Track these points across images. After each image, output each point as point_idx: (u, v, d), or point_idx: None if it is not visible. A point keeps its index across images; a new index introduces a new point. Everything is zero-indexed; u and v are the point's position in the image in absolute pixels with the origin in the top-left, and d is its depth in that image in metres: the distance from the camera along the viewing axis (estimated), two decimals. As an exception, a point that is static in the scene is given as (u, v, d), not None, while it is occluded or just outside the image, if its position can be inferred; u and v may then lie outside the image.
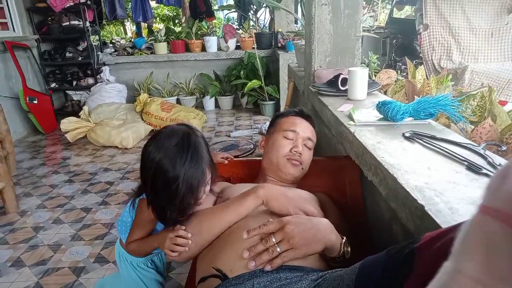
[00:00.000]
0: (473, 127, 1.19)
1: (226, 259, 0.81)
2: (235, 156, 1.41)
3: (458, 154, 0.88)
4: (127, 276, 1.16)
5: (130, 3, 6.17)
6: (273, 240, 0.77)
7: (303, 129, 1.20)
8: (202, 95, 5.20)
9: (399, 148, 0.97)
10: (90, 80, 4.85)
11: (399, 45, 6.52)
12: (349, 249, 0.83)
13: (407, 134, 1.05)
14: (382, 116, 1.22)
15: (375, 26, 8.56)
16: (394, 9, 7.76)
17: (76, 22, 4.63)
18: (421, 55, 4.97)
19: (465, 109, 1.33)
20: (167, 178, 0.85)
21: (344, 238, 0.84)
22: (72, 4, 4.47)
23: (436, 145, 0.96)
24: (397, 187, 0.79)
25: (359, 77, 1.50)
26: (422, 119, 1.16)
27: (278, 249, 0.76)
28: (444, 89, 1.48)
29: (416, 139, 1.02)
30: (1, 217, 2.44)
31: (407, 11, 9.13)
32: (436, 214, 0.64)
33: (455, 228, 0.43)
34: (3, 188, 2.44)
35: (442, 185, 0.75)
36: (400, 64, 6.20)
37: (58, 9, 4.39)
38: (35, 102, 4.16)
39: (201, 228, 0.89)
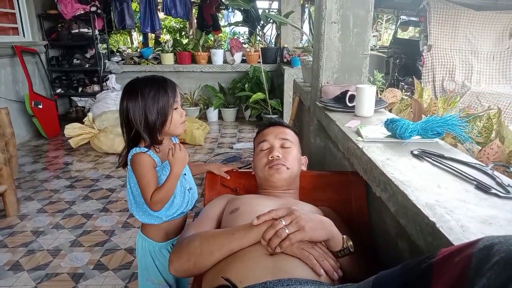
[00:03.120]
0: (479, 147, 1.20)
1: (236, 270, 0.80)
2: (238, 168, 1.42)
3: (467, 174, 0.89)
4: (145, 265, 1.22)
5: (138, 14, 6.27)
6: (283, 223, 0.82)
7: (275, 135, 1.22)
8: (206, 106, 5.24)
9: (408, 165, 0.98)
10: (96, 87, 4.90)
11: (402, 65, 6.60)
12: (351, 243, 0.86)
13: (416, 152, 1.06)
14: (390, 133, 1.23)
15: (378, 46, 8.69)
16: (398, 29, 7.88)
17: (85, 30, 4.70)
18: (422, 75, 5.03)
19: (472, 129, 1.34)
20: (159, 103, 1.08)
21: (345, 235, 0.88)
22: (82, 12, 4.55)
23: (444, 163, 0.97)
24: (407, 204, 0.79)
25: (367, 94, 1.51)
26: (429, 138, 1.17)
27: (287, 231, 0.81)
28: (453, 109, 1.50)
29: (425, 157, 1.02)
30: (1, 220, 2.44)
31: (410, 32, 9.28)
32: (447, 232, 0.65)
33: (473, 244, 0.43)
34: (5, 191, 2.44)
35: (452, 203, 0.76)
36: (403, 83, 6.26)
37: (68, 17, 4.46)
38: (40, 106, 4.19)
39: (202, 250, 0.89)
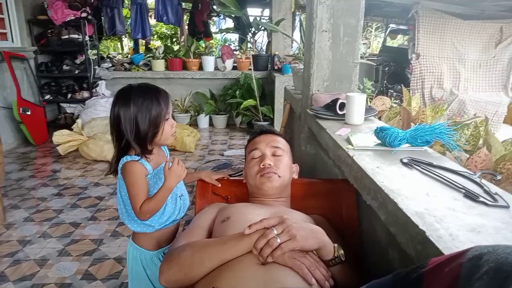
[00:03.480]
0: (467, 155, 1.22)
1: (228, 279, 0.80)
2: (229, 175, 1.41)
3: (455, 182, 0.90)
4: (136, 275, 1.21)
5: (129, 20, 6.26)
6: (274, 232, 0.82)
7: (266, 143, 1.22)
8: (196, 113, 5.23)
9: (397, 173, 0.99)
10: (85, 94, 4.85)
11: (391, 72, 6.68)
12: (342, 251, 0.87)
13: (405, 160, 1.07)
14: (379, 142, 1.24)
15: (367, 54, 8.80)
16: (388, 37, 8.00)
17: (76, 36, 4.67)
18: (411, 83, 5.10)
19: (459, 138, 1.36)
20: (151, 114, 1.08)
21: (336, 244, 0.88)
22: (73, 18, 4.52)
23: (433, 172, 0.98)
24: (397, 212, 0.80)
25: (357, 102, 1.53)
26: (419, 146, 1.19)
27: (278, 240, 0.81)
28: (441, 117, 1.52)
29: (414, 166, 1.04)
30: (-13, 229, 2.38)
31: (399, 40, 9.43)
32: (437, 240, 0.65)
33: (462, 254, 0.44)
34: (-9, 199, 2.39)
35: (441, 212, 0.76)
36: (392, 91, 6.34)
37: (58, 22, 4.43)
38: (28, 113, 4.13)
39: (193, 260, 0.88)
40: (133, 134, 1.08)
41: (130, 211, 1.15)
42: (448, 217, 0.74)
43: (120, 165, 1.11)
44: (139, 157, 1.10)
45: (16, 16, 4.35)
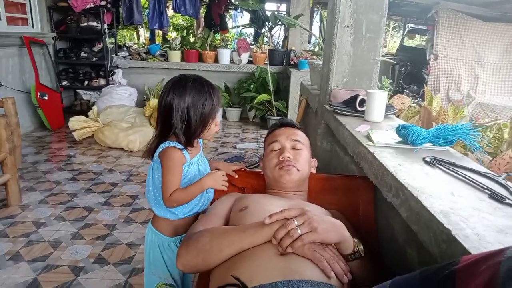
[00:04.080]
0: (489, 157, 1.20)
1: (246, 268, 0.80)
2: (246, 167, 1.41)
3: (480, 182, 0.89)
4: (153, 259, 1.22)
5: (147, 10, 6.28)
6: (295, 223, 0.82)
7: (286, 135, 1.21)
8: (210, 105, 5.23)
9: (420, 172, 0.98)
10: (102, 81, 4.90)
11: (408, 72, 6.60)
12: (362, 247, 0.87)
13: (428, 159, 1.06)
14: (401, 139, 1.23)
15: (384, 53, 8.70)
16: (405, 37, 7.89)
17: (94, 24, 4.71)
18: (428, 84, 5.02)
19: (482, 139, 1.34)
20: (204, 110, 1.09)
21: (356, 239, 0.88)
22: (92, 5, 4.55)
23: (457, 171, 0.96)
24: (420, 210, 0.79)
25: (378, 99, 1.51)
26: (441, 145, 1.17)
27: (299, 231, 0.80)
28: (463, 118, 1.50)
29: (437, 165, 1.02)
30: (3, 209, 2.44)
31: (415, 40, 9.29)
32: (464, 240, 0.64)
33: (500, 253, 0.43)
34: (8, 181, 2.43)
35: (467, 211, 0.75)
36: (408, 91, 6.26)
37: (78, 10, 4.47)
38: (46, 98, 4.19)
39: (211, 246, 0.88)
40: (183, 127, 1.09)
41: (158, 195, 1.16)
42: (474, 217, 0.73)
43: (160, 149, 1.12)
44: (183, 147, 1.12)
45: (37, 2, 4.40)
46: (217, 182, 1.16)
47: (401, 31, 9.04)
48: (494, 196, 0.82)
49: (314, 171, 1.30)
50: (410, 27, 7.74)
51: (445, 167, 1.00)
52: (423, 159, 1.07)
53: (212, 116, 1.13)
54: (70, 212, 2.43)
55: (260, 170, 1.31)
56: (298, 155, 1.17)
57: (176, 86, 1.10)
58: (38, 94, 4.11)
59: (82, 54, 4.81)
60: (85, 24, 4.68)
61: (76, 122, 3.85)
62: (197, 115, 1.09)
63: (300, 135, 1.23)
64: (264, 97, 4.51)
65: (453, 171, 0.97)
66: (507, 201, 0.80)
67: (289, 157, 1.15)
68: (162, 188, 1.11)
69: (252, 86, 4.82)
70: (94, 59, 4.88)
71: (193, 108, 1.08)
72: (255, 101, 4.57)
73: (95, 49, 4.90)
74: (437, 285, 0.47)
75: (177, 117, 1.08)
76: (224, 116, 5.32)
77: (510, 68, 4.97)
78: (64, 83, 4.86)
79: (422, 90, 5.50)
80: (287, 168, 1.13)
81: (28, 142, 3.88)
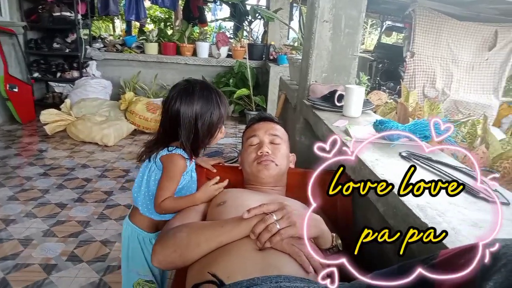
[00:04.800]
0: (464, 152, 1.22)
1: (223, 264, 0.78)
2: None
3: (455, 177, 0.90)
4: (132, 254, 1.20)
5: (123, 1, 6.11)
6: (274, 218, 0.81)
7: (264, 130, 1.20)
8: (188, 100, 5.16)
9: (397, 166, 0.98)
10: (75, 73, 4.74)
11: (385, 69, 6.72)
12: (340, 241, 0.87)
13: (404, 154, 1.07)
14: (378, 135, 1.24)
15: (361, 50, 8.81)
16: (383, 34, 8.02)
17: (68, 14, 4.54)
18: (404, 81, 5.12)
19: (456, 135, 1.37)
20: (211, 119, 1.07)
21: (335, 233, 0.89)
22: (65, -6, 4.38)
23: (432, 166, 0.97)
24: (397, 204, 0.79)
25: (356, 94, 1.52)
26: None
27: (278, 226, 0.80)
28: (437, 114, 1.53)
29: (413, 159, 1.03)
30: (-31, 206, 2.32)
31: (393, 38, 9.45)
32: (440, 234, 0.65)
33: (476, 247, 0.43)
34: (-26, 176, 2.32)
35: (443, 206, 0.76)
36: (385, 88, 6.37)
37: (50, -2, 4.29)
38: (15, 90, 4.02)
39: (189, 242, 0.86)
40: (191, 138, 1.06)
41: (148, 197, 1.15)
42: (449, 211, 0.74)
43: (164, 153, 1.08)
44: (188, 157, 1.09)
45: (6, -11, 4.20)
46: (209, 196, 1.12)
47: (379, 29, 9.18)
48: (469, 191, 0.84)
49: (292, 166, 1.29)
50: (388, 24, 7.86)
51: (420, 162, 1.01)
52: (400, 154, 1.08)
53: (219, 125, 1.11)
54: (42, 209, 2.34)
55: (239, 165, 1.29)
56: (277, 150, 1.16)
57: (183, 93, 1.06)
58: (7, 86, 3.93)
59: (55, 45, 4.62)
60: (58, 14, 4.50)
61: (48, 115, 3.71)
62: (205, 125, 1.06)
63: (279, 130, 1.22)
64: (243, 91, 4.49)
65: (428, 166, 0.98)
66: (481, 195, 0.81)
67: (267, 152, 1.14)
68: (156, 192, 1.08)
69: (231, 80, 4.79)
70: (67, 50, 4.71)
71: (201, 119, 1.05)
72: (234, 95, 4.54)
73: (69, 40, 4.73)
74: (417, 279, 0.47)
75: (184, 127, 1.05)
76: (202, 111, 5.26)
77: (482, 66, 5.13)
78: (36, 75, 4.67)
79: (398, 86, 5.61)
80: (265, 163, 1.12)
81: (-4, 136, 3.72)
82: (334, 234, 0.88)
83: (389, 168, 0.96)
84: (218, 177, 1.14)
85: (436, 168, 0.96)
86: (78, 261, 1.85)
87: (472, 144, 1.33)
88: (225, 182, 1.15)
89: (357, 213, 1.25)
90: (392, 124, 1.18)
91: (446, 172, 0.93)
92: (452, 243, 0.62)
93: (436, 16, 4.90)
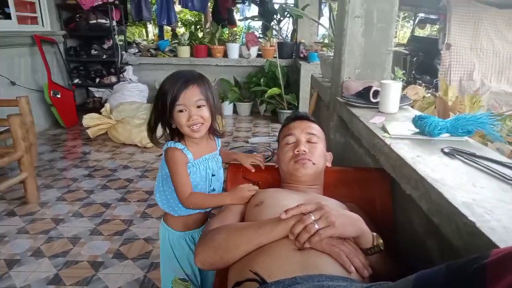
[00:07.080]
0: (510, 147, 1.17)
1: (264, 263, 0.79)
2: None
3: (503, 173, 0.87)
4: (166, 254, 1.23)
5: (155, 6, 6.29)
6: (312, 218, 0.81)
7: (301, 129, 1.20)
8: (221, 100, 5.24)
9: (440, 163, 0.96)
10: (113, 79, 4.94)
11: (420, 63, 6.49)
12: (381, 241, 0.86)
13: (447, 150, 1.04)
14: (417, 130, 1.21)
15: (394, 43, 8.56)
16: (416, 27, 7.75)
17: (103, 21, 4.73)
18: (439, 74, 4.93)
19: (501, 129, 1.31)
20: (161, 93, 1.08)
21: (375, 233, 0.87)
22: (100, 2, 4.57)
23: (477, 162, 0.95)
24: (442, 202, 0.78)
25: (393, 90, 1.49)
26: (459, 135, 1.15)
27: (316, 226, 0.80)
28: (479, 108, 1.47)
29: (456, 156, 1.01)
30: (22, 207, 2.49)
31: (426, 30, 9.11)
32: (490, 232, 0.63)
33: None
34: (26, 179, 2.48)
35: (491, 203, 0.74)
36: (420, 82, 6.17)
37: (86, 7, 4.49)
38: (59, 96, 4.24)
39: (228, 244, 0.88)
40: (153, 118, 1.12)
41: (162, 190, 1.18)
42: (498, 209, 0.72)
43: (164, 148, 1.13)
44: (184, 146, 1.11)
45: (46, 1, 4.43)
46: (239, 200, 1.11)
47: (411, 21, 8.87)
48: (518, 187, 0.81)
49: (329, 165, 1.29)
50: (421, 16, 7.58)
51: (464, 158, 0.99)
52: (442, 150, 1.06)
53: (168, 106, 1.05)
54: (88, 209, 2.47)
55: (275, 163, 1.31)
56: (314, 149, 1.17)
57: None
58: (51, 92, 4.16)
59: (93, 52, 4.84)
60: (94, 21, 4.71)
61: (89, 119, 3.89)
62: (156, 106, 1.10)
63: (315, 128, 1.22)
64: (274, 91, 4.50)
65: (473, 162, 0.96)
66: (531, 191, 0.79)
67: (304, 151, 1.14)
68: (176, 191, 1.11)
69: (262, 80, 4.81)
70: (104, 56, 4.92)
71: (155, 100, 1.10)
72: (266, 95, 4.56)
73: (105, 46, 4.93)
74: (466, 279, 0.47)
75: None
76: (235, 111, 5.32)
77: (526, 55, 4.84)
78: (76, 81, 4.92)
79: (435, 80, 5.41)
80: (302, 162, 1.13)
81: (43, 140, 3.95)
82: (375, 234, 0.87)
83: (431, 165, 0.95)
84: (252, 185, 1.14)
85: (482, 164, 0.93)
86: (124, 258, 1.94)
87: (519, 139, 1.27)
88: (256, 187, 1.14)
89: (397, 212, 1.23)
90: (433, 120, 1.16)
91: (492, 168, 0.90)
92: (504, 242, 0.61)
93: (472, 5, 4.68)
